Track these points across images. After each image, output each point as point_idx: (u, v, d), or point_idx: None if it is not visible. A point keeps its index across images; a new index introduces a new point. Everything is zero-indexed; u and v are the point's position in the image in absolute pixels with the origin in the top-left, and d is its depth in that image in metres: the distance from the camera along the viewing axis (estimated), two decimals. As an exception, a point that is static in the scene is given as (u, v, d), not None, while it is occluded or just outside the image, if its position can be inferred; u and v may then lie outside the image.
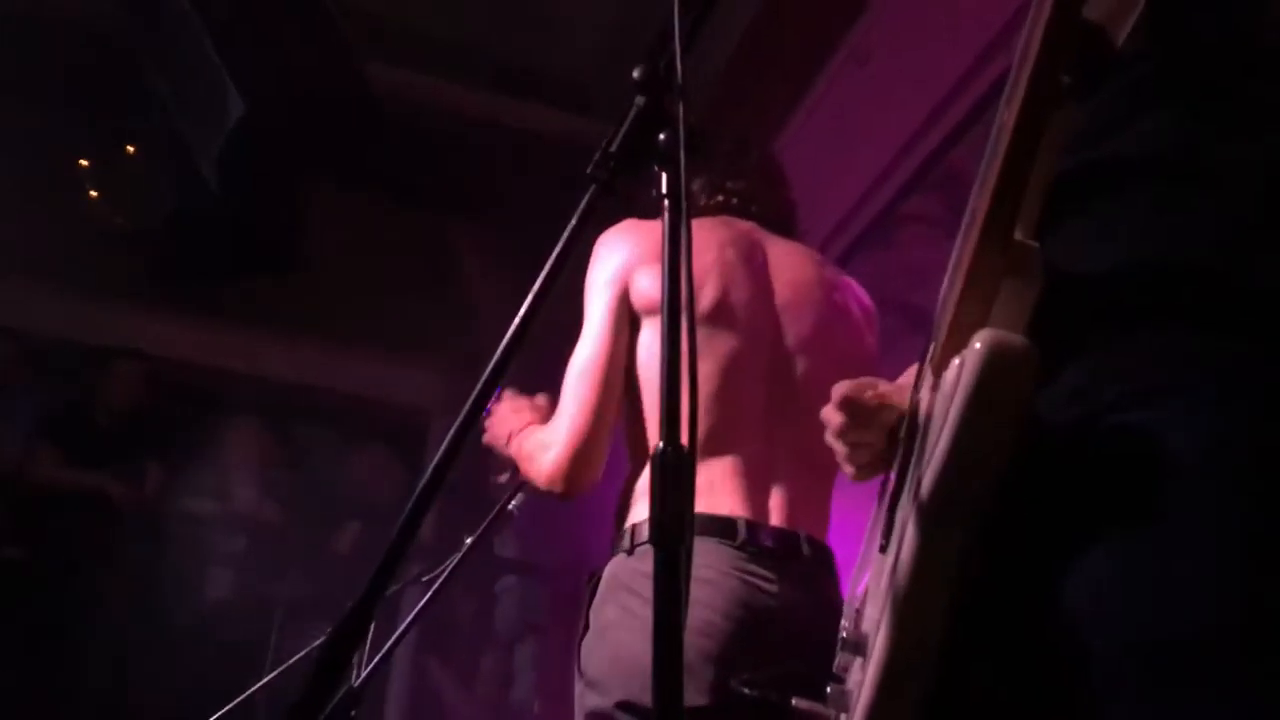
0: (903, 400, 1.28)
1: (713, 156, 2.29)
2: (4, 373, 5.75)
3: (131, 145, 5.59)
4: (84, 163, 5.70)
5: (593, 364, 1.98)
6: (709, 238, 2.10)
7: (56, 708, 4.97)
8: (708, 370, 2.00)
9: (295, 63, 4.65)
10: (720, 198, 2.23)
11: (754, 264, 2.13)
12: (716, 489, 1.95)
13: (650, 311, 2.00)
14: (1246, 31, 1.08)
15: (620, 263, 2.04)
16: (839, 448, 1.34)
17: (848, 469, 1.36)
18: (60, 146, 5.64)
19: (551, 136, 5.42)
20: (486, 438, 2.30)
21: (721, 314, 2.04)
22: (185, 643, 5.27)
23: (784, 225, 2.28)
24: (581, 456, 1.95)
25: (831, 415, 1.32)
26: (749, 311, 2.07)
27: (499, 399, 2.31)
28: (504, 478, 2.42)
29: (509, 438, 2.20)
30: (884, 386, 1.33)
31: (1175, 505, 0.93)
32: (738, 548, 1.88)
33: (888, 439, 1.30)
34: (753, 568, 1.88)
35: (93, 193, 5.70)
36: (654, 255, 2.00)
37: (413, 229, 6.11)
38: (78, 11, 5.01)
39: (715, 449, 1.97)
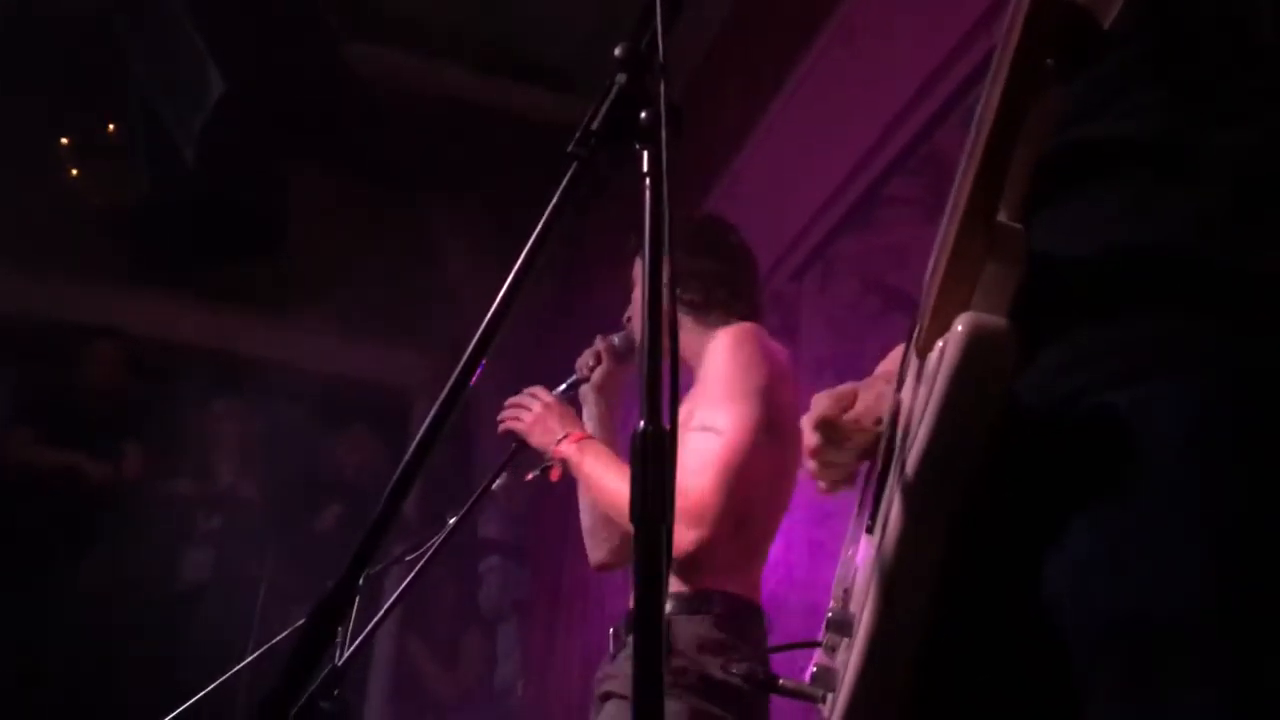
0: (880, 410, 1.29)
1: (728, 258, 2.54)
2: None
3: (112, 124, 5.55)
4: (64, 141, 5.66)
5: (743, 463, 2.23)
6: (780, 354, 2.41)
7: (35, 687, 4.95)
8: (789, 476, 2.34)
9: (277, 43, 4.62)
10: (742, 304, 2.49)
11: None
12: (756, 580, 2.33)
13: (775, 430, 2.27)
14: (1238, 21, 1.08)
15: (770, 373, 2.31)
16: (810, 465, 1.36)
17: (821, 485, 1.39)
18: (39, 126, 5.59)
19: (535, 116, 5.41)
20: (520, 427, 2.52)
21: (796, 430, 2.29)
22: (166, 623, 5.26)
23: None
24: (712, 549, 2.20)
25: (808, 436, 1.34)
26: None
27: (542, 392, 2.56)
28: (531, 476, 2.58)
29: (561, 440, 2.43)
30: (862, 401, 1.34)
31: (1156, 486, 0.93)
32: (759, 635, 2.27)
33: (862, 455, 1.32)
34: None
35: (73, 171, 5.66)
36: (788, 377, 2.38)
37: (395, 209, 6.09)
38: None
39: (766, 549, 2.37)
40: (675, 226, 2.60)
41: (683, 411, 2.37)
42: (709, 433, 2.24)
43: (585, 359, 2.68)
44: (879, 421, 1.29)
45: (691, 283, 2.46)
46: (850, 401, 1.33)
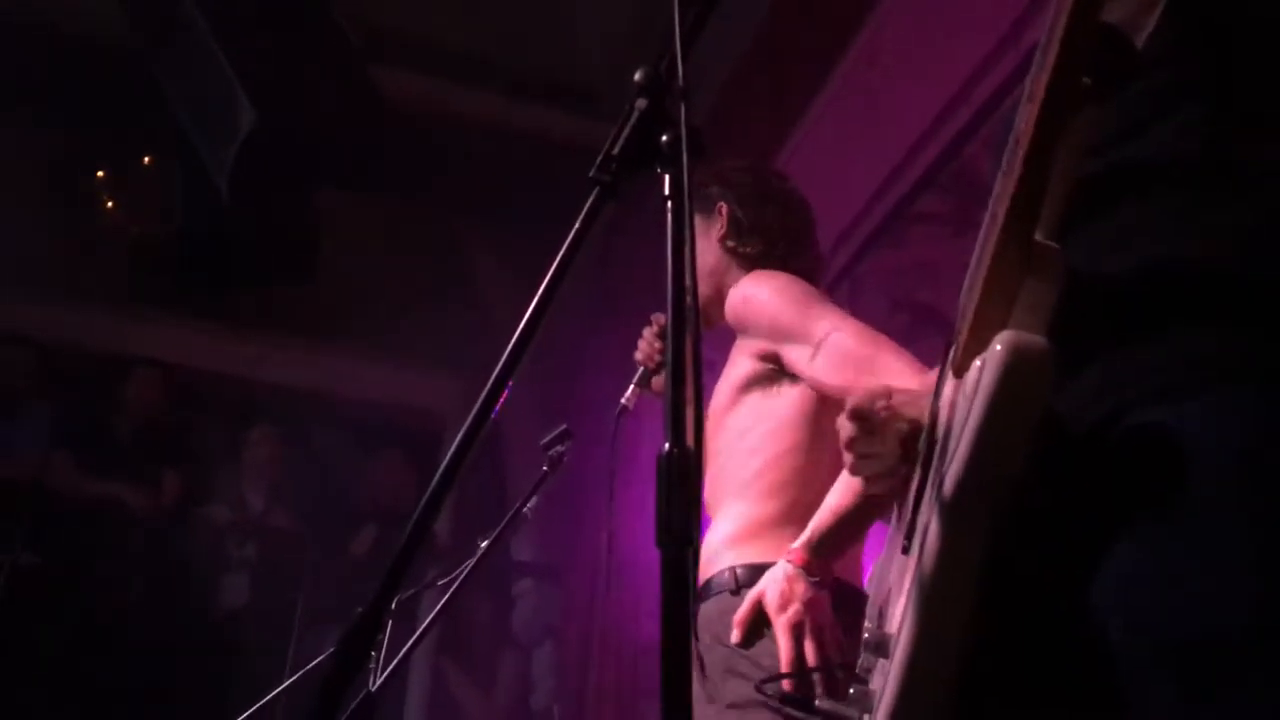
0: (916, 410, 1.28)
1: (791, 209, 2.39)
2: (22, 382, 5.78)
3: (147, 156, 5.62)
4: (100, 174, 5.74)
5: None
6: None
7: (74, 716, 4.98)
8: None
9: (307, 72, 4.67)
10: (799, 258, 2.35)
11: None
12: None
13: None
14: (1270, 35, 1.08)
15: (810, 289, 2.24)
16: (848, 457, 1.34)
17: (860, 482, 1.37)
18: (76, 157, 5.67)
19: (563, 141, 5.43)
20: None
21: None
22: (204, 650, 5.28)
23: None
24: None
25: (842, 425, 1.33)
26: None
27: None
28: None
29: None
30: (898, 397, 1.33)
31: (1202, 502, 0.93)
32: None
33: (901, 449, 1.30)
34: None
35: (109, 203, 5.74)
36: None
37: (426, 235, 6.13)
38: (92, 26, 5.05)
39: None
40: (731, 173, 2.49)
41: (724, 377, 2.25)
42: (808, 347, 2.05)
43: (646, 349, 2.46)
44: (917, 420, 1.28)
45: (753, 236, 2.31)
46: (885, 397, 1.33)
